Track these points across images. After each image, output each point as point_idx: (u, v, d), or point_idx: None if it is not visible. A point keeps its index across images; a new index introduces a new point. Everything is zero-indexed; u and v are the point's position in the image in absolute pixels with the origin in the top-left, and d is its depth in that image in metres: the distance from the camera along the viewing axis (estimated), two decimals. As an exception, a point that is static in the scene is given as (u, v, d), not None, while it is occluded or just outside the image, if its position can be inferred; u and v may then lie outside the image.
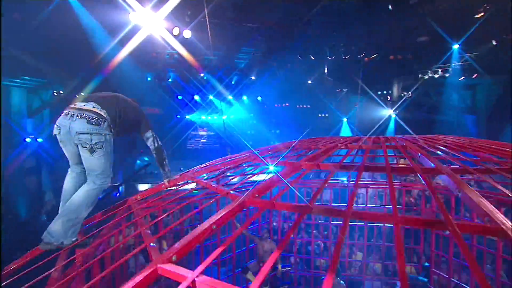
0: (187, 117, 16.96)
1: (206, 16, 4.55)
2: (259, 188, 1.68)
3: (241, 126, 19.43)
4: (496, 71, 10.69)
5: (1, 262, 2.20)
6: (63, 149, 2.33)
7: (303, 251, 6.48)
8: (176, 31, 6.95)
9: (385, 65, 10.94)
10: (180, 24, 6.91)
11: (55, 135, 2.27)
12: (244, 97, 16.83)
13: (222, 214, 1.42)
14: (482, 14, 7.46)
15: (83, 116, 2.20)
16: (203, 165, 3.52)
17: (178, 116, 16.64)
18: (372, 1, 8.14)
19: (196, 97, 15.30)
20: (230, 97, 15.30)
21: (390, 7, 8.37)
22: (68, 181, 2.39)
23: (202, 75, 13.06)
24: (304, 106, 19.84)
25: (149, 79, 13.96)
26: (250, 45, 10.75)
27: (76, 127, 2.19)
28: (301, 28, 8.82)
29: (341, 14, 8.05)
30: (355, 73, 11.61)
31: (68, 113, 2.26)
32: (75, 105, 2.28)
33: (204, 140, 19.25)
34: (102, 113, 2.27)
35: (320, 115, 19.59)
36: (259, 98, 17.08)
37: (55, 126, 2.27)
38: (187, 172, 3.27)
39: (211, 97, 15.55)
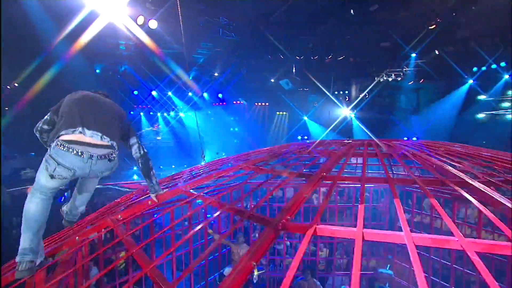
0: (141, 114, 15.83)
1: (178, 7, 4.14)
2: (290, 208, 1.50)
3: (199, 123, 18.82)
4: (436, 77, 12.00)
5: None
6: (61, 181, 1.92)
7: (272, 251, 6.44)
8: (140, 20, 6.24)
9: (345, 67, 11.48)
10: (145, 13, 6.26)
11: (57, 175, 1.89)
12: (205, 94, 16.28)
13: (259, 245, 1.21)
14: (434, 26, 8.26)
15: (103, 157, 1.98)
16: (188, 173, 3.20)
17: (132, 113, 15.44)
18: (337, 4, 8.40)
19: (154, 93, 14.31)
20: (190, 94, 14.64)
21: (352, 11, 8.73)
22: (44, 207, 1.93)
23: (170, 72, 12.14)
24: (263, 104, 20.02)
25: (98, 71, 12.65)
26: (215, 40, 10.35)
27: (99, 169, 2.01)
28: (270, 27, 8.76)
29: (309, 14, 8.16)
30: (320, 73, 11.97)
31: (83, 153, 1.90)
32: (81, 139, 1.91)
33: (159, 138, 18.27)
34: (114, 145, 2.05)
35: (278, 113, 19.95)
36: (220, 95, 16.66)
37: (64, 168, 1.88)
38: (176, 183, 2.92)
39: (169, 93, 14.69)
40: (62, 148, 1.85)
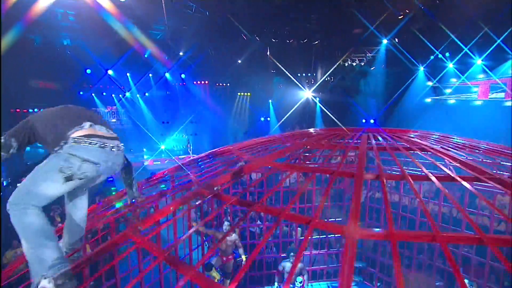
0: (93, 95, 14.35)
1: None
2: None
3: (157, 104, 17.85)
4: (392, 63, 12.96)
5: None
6: (78, 183, 1.72)
7: (247, 235, 6.61)
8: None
9: (311, 50, 11.68)
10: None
11: (81, 175, 1.70)
12: (167, 74, 15.28)
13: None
14: (402, 16, 8.77)
15: (119, 149, 1.91)
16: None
17: (81, 93, 13.89)
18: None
19: (110, 72, 12.95)
20: (150, 75, 13.62)
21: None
22: (44, 219, 1.65)
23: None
24: (223, 84, 19.57)
25: (35, 44, 10.94)
26: (182, 17, 9.62)
27: (118, 161, 1.93)
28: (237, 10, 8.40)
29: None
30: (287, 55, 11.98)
31: (105, 145, 1.79)
32: (94, 132, 1.82)
33: (114, 120, 16.90)
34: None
35: (240, 94, 19.74)
36: (183, 75, 15.80)
37: (90, 164, 1.71)
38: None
39: (128, 74, 13.46)
40: (84, 143, 1.72)
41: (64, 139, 1.72)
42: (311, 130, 4.98)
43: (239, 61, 13.98)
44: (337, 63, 13.07)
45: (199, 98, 18.75)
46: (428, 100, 13.06)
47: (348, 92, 14.02)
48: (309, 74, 15.79)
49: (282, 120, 15.77)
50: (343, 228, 1.38)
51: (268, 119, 18.04)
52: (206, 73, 16.60)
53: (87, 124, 1.81)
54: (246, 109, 19.91)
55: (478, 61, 10.99)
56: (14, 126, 1.89)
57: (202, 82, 18.29)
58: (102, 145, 1.77)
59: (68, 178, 1.65)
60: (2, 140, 1.75)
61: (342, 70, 12.84)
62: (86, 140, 1.72)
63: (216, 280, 5.72)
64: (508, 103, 10.66)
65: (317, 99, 14.41)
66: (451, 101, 12.28)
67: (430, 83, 12.80)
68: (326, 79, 13.55)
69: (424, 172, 1.95)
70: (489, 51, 10.32)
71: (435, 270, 5.17)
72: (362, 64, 12.40)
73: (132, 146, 17.95)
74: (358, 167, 2.05)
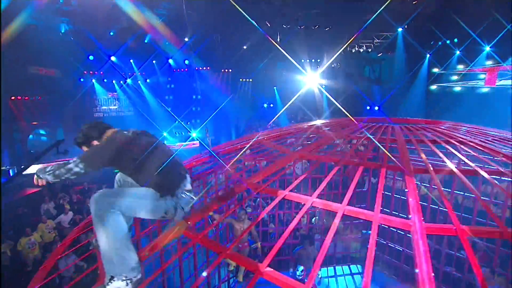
0: (94, 81, 14.09)
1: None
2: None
3: (157, 91, 17.67)
4: (399, 50, 12.82)
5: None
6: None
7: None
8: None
9: (319, 36, 11.49)
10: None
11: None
12: (170, 60, 15.02)
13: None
14: (416, 1, 8.60)
15: None
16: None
17: (82, 80, 13.64)
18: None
19: (113, 58, 12.69)
20: (153, 62, 13.38)
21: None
22: None
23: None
24: (226, 70, 19.33)
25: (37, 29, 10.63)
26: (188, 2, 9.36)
27: None
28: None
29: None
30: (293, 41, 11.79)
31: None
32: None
33: (115, 107, 16.72)
34: None
35: (242, 79, 19.54)
36: (186, 61, 15.54)
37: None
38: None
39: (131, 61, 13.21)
40: (187, 197, 2.10)
41: (177, 188, 1.95)
42: (323, 121, 4.99)
43: (245, 47, 13.74)
44: (340, 49, 12.88)
45: (202, 84, 18.58)
46: (434, 87, 13.05)
47: (353, 79, 13.93)
48: (313, 60, 15.61)
49: (286, 106, 15.72)
50: (410, 224, 1.41)
51: (271, 105, 17.97)
52: (209, 59, 16.33)
53: (188, 176, 2.08)
54: (248, 96, 19.80)
55: (487, 48, 10.94)
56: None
57: (205, 68, 18.06)
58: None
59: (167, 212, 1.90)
60: (76, 170, 1.84)
61: (348, 57, 12.71)
62: (188, 194, 2.04)
63: (232, 267, 5.87)
64: (516, 90, 10.70)
65: (323, 86, 14.33)
66: (457, 88, 12.29)
67: (436, 70, 12.75)
68: (333, 65, 13.43)
69: (470, 166, 1.98)
70: (498, 37, 10.25)
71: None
72: (370, 50, 12.28)
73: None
74: (404, 162, 2.07)
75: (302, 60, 15.37)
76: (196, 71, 17.76)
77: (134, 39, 11.57)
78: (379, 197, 1.72)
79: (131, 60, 13.80)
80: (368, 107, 14.92)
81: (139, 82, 15.94)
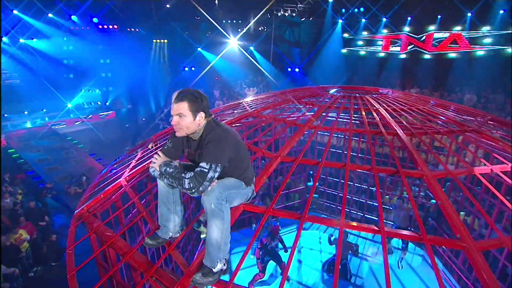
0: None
1: None
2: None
3: (54, 53, 14.86)
4: (314, 14, 14.07)
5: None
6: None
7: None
8: None
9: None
10: None
11: None
12: (73, 17, 12.56)
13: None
14: None
15: None
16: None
17: None
18: None
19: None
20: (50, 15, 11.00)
21: None
22: None
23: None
24: (135, 30, 17.43)
25: None
26: None
27: None
28: None
29: None
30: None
31: None
32: None
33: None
34: None
35: (157, 41, 18.03)
36: (95, 19, 13.28)
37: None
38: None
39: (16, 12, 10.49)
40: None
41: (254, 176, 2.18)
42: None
43: (168, 6, 12.62)
44: (276, 14, 13.30)
45: (109, 45, 16.35)
46: (344, 50, 15.08)
47: (276, 42, 14.72)
48: (234, 21, 15.55)
49: (207, 68, 15.52)
50: (462, 244, 1.82)
51: (193, 69, 17.38)
52: (118, 17, 14.37)
53: None
54: (166, 58, 18.50)
55: (384, 19, 13.22)
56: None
57: (110, 26, 15.78)
58: None
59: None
60: (215, 175, 1.83)
61: (274, 20, 13.25)
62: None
63: (204, 234, 6.27)
64: (403, 56, 13.48)
65: (252, 47, 14.66)
66: (362, 52, 14.57)
67: (346, 35, 14.66)
68: (260, 28, 13.78)
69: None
70: (393, 10, 12.46)
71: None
72: (294, 15, 13.08)
73: (25, 107, 14.88)
74: (420, 165, 2.81)
75: (224, 21, 15.13)
76: (101, 30, 15.44)
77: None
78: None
79: (15, 11, 11.00)
80: (289, 69, 16.22)
81: (21, 40, 12.94)
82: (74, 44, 15.53)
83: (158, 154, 1.98)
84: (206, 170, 1.77)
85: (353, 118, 3.65)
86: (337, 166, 2.75)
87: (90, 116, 15.80)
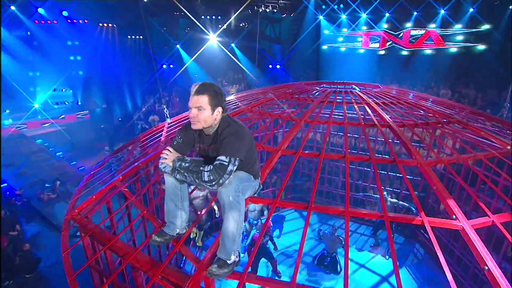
0: None
1: None
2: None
3: (17, 49, 14.05)
4: (295, 10, 14.35)
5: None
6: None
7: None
8: None
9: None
10: None
11: None
12: (40, 10, 11.93)
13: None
14: None
15: None
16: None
17: None
18: None
19: None
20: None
21: None
22: None
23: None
24: (109, 25, 16.89)
25: None
26: None
27: None
28: None
29: None
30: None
31: None
32: None
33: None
34: None
35: (131, 36, 17.57)
36: (65, 13, 12.70)
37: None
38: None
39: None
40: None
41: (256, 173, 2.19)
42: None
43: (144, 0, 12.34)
44: (257, 10, 13.36)
45: (80, 41, 15.73)
46: (325, 47, 15.48)
47: (255, 37, 14.84)
48: (213, 17, 15.46)
49: (186, 65, 15.33)
50: (458, 224, 2.13)
51: (171, 66, 17.08)
52: (90, 10, 13.85)
53: None
54: (142, 55, 18.03)
55: (363, 15, 13.74)
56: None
57: (80, 21, 15.15)
58: None
59: None
60: (233, 168, 1.88)
61: (256, 16, 13.33)
62: None
63: (194, 234, 6.32)
64: (382, 52, 14.08)
65: (233, 44, 14.65)
66: (343, 48, 15.04)
67: (327, 32, 15.06)
68: (241, 24, 13.81)
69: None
70: (372, 6, 12.97)
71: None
72: (275, 11, 13.24)
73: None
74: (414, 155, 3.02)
75: (203, 17, 14.98)
76: (71, 25, 14.79)
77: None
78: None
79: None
80: (270, 66, 16.41)
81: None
82: (40, 39, 14.75)
83: (168, 150, 2.02)
84: (226, 163, 1.83)
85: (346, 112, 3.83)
86: (337, 157, 2.91)
87: (63, 116, 15.14)
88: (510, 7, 10.72)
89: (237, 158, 1.87)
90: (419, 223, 2.16)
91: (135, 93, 17.75)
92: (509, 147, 2.92)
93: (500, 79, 11.08)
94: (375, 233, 6.72)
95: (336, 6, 14.01)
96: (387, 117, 3.33)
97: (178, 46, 15.17)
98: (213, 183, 1.83)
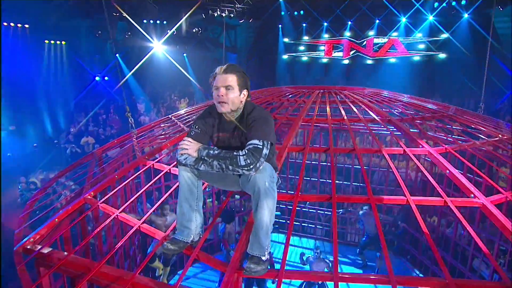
0: None
1: None
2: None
3: None
4: (253, 16, 15.27)
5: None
6: None
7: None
8: None
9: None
10: None
11: None
12: None
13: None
14: None
15: None
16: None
17: None
18: None
19: None
20: None
21: None
22: None
23: None
24: (19, 25, 16.00)
25: None
26: None
27: None
28: None
29: None
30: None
31: None
32: None
33: None
34: None
35: (49, 41, 16.75)
36: None
37: None
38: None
39: None
40: None
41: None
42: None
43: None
44: (212, 15, 13.79)
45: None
46: (285, 56, 16.54)
47: (211, 46, 15.32)
48: (157, 22, 15.56)
49: (127, 76, 14.99)
50: (478, 201, 2.76)
51: (106, 78, 16.53)
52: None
53: None
54: (65, 65, 17.17)
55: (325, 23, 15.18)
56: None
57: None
58: None
59: None
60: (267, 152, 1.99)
61: (210, 22, 13.79)
62: None
63: (161, 270, 6.11)
64: (346, 61, 15.52)
65: (184, 54, 14.80)
66: (305, 58, 16.22)
67: (286, 40, 16.18)
68: (194, 30, 14.10)
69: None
70: (334, 14, 14.42)
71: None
72: (232, 16, 13.83)
73: None
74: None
75: (145, 21, 14.98)
76: None
77: None
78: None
79: None
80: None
81: None
82: None
83: (189, 140, 2.08)
84: (261, 146, 1.94)
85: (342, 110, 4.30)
86: (321, 150, 3.27)
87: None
88: (465, 15, 12.82)
89: (269, 142, 1.99)
90: (442, 204, 2.56)
91: (57, 112, 16.65)
92: (500, 136, 3.60)
93: (462, 87, 12.98)
94: (361, 252, 7.13)
95: (296, 13, 15.22)
96: (385, 112, 3.87)
97: (117, 55, 14.87)
98: (251, 166, 1.91)
